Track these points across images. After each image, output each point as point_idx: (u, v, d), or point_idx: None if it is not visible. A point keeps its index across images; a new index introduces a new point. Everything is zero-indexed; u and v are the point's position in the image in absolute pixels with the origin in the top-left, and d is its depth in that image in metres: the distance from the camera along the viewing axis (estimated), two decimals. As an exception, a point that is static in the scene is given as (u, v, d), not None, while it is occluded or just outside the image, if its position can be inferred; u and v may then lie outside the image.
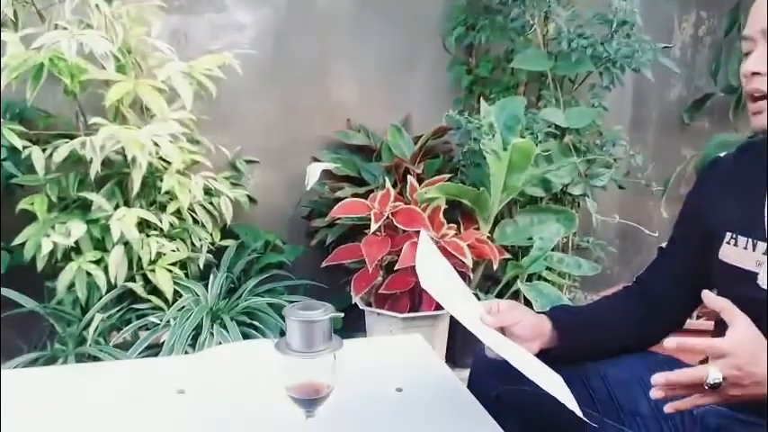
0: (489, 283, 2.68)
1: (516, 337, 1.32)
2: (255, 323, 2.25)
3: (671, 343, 1.06)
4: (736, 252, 1.29)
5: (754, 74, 1.21)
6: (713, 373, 1.03)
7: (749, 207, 1.30)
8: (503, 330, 1.33)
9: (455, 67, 2.88)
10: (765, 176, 1.30)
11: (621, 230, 3.10)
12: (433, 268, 1.35)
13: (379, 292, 2.39)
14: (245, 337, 2.17)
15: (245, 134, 2.76)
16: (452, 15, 2.83)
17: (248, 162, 2.75)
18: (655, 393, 1.08)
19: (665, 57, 2.60)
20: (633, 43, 2.46)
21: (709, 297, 1.10)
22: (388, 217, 2.34)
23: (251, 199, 2.69)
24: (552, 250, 2.61)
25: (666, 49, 2.73)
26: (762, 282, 1.23)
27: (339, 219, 2.51)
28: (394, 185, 2.57)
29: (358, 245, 2.35)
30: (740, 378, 1.04)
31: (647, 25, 2.76)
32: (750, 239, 1.27)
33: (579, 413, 1.22)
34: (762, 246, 1.26)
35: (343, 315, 1.13)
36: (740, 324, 1.07)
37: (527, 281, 2.54)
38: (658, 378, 1.06)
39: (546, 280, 2.53)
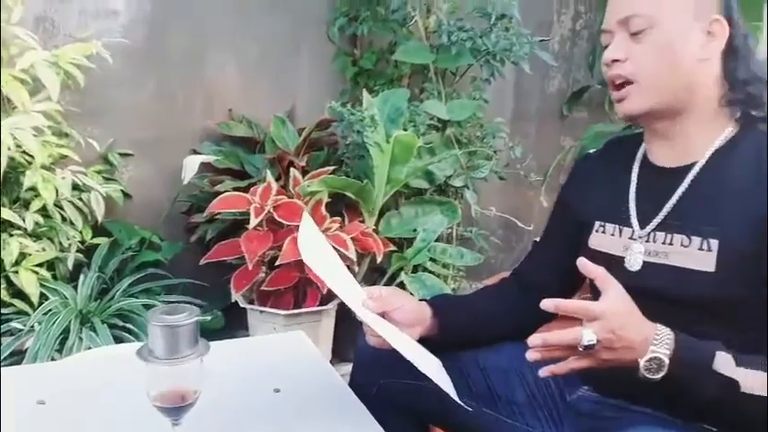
0: (377, 275, 2.67)
1: (397, 322, 1.34)
2: (129, 326, 2.14)
3: (548, 304, 1.08)
4: (604, 239, 1.36)
5: (615, 61, 1.27)
6: (587, 335, 1.06)
7: (615, 197, 1.38)
8: (384, 316, 1.34)
9: (340, 58, 2.85)
10: (630, 168, 1.38)
11: (505, 220, 3.16)
12: (316, 248, 1.34)
13: (261, 288, 2.33)
14: (119, 340, 2.07)
15: (118, 126, 2.62)
16: (335, 5, 2.79)
17: (122, 155, 2.62)
18: (531, 355, 1.10)
19: (543, 50, 2.65)
20: (511, 36, 2.50)
21: (585, 264, 1.13)
22: (269, 211, 2.28)
23: (125, 194, 2.57)
24: (437, 241, 2.63)
25: (544, 42, 2.79)
26: (628, 265, 1.29)
27: (219, 214, 2.43)
28: (278, 179, 2.51)
29: (239, 240, 2.28)
30: (612, 341, 1.08)
31: (528, 19, 2.81)
32: (617, 226, 1.34)
33: (455, 396, 1.24)
34: (627, 231, 1.33)
35: (210, 318, 1.10)
36: (613, 290, 1.12)
37: (412, 272, 2.55)
38: (535, 339, 1.08)
39: (430, 271, 2.54)
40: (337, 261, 1.40)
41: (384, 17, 2.64)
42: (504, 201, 3.13)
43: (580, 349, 1.07)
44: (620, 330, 1.08)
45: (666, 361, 1.09)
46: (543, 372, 1.13)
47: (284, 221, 2.27)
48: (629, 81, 1.25)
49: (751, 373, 1.10)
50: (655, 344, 1.09)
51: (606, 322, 1.08)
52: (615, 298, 1.11)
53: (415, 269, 2.59)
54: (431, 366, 1.29)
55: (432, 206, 2.65)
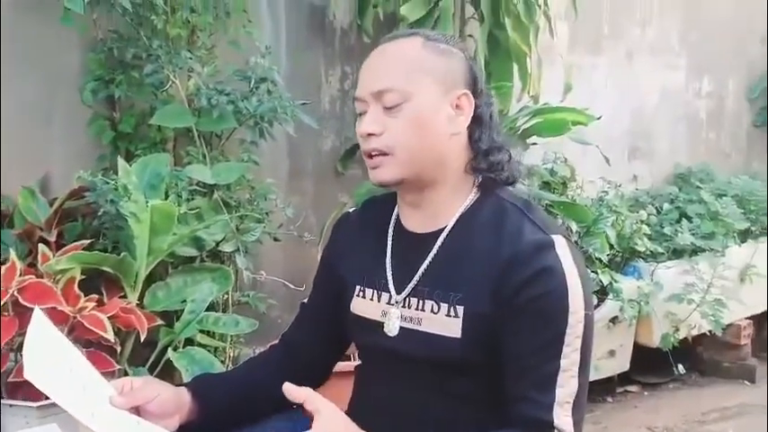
0: (149, 350, 2.51)
1: (152, 414, 1.26)
2: None
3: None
4: (364, 303, 1.38)
5: (370, 134, 1.29)
6: None
7: (373, 261, 1.40)
8: (138, 410, 1.26)
9: (96, 123, 2.68)
10: (386, 232, 1.39)
11: (289, 279, 3.11)
12: (45, 354, 1.23)
13: (9, 380, 2.10)
14: None
15: None
16: (88, 69, 2.64)
17: None
18: None
19: (306, 113, 2.68)
20: (273, 99, 2.50)
21: (290, 390, 1.14)
22: (13, 294, 2.07)
23: None
24: (211, 310, 2.52)
25: (308, 104, 2.82)
26: (387, 330, 1.31)
27: (-43, 300, 2.17)
28: (28, 255, 2.30)
29: (-21, 329, 2.05)
30: None
31: (297, 81, 2.81)
32: (375, 291, 1.37)
33: None
34: (385, 296, 1.34)
35: None
36: (325, 412, 1.12)
37: (184, 346, 2.42)
38: None
39: (201, 344, 2.43)
40: (78, 361, 1.29)
41: (139, 81, 2.53)
42: (287, 261, 3.09)
43: None
44: None
45: None
46: None
47: (31, 305, 2.06)
48: (384, 153, 1.27)
49: None
50: None
51: None
52: (327, 419, 1.11)
53: (190, 342, 2.47)
54: None
55: (203, 274, 2.54)
